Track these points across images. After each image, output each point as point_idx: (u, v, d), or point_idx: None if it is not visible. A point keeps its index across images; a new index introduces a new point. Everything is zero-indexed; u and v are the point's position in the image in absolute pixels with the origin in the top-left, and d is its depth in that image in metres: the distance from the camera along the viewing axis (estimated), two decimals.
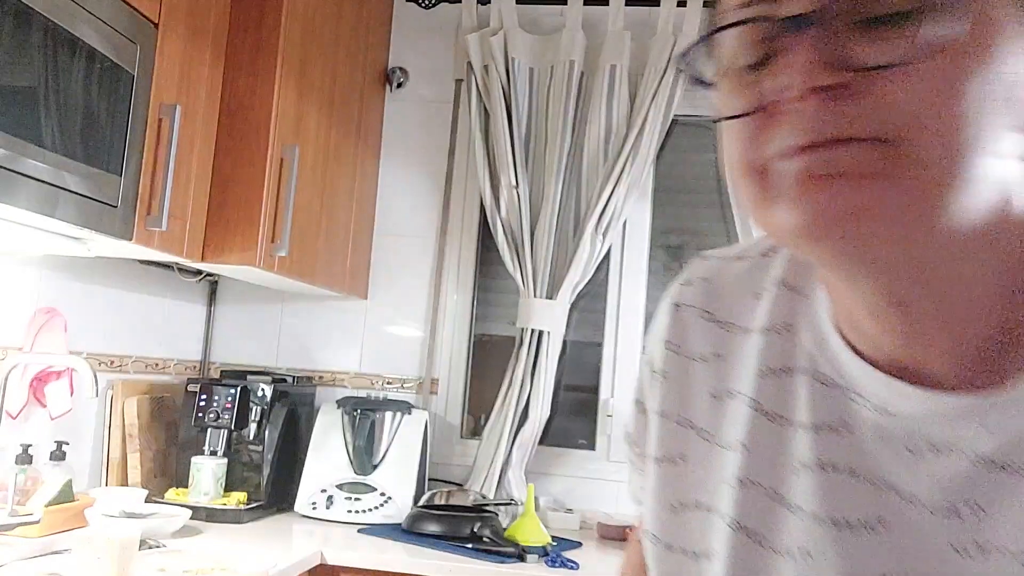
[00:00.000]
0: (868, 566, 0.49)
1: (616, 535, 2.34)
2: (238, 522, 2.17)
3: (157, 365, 2.48)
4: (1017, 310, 0.46)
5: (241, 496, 2.24)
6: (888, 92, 0.39)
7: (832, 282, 0.52)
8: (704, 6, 2.55)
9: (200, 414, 2.28)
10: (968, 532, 0.46)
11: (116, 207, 1.62)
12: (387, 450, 2.40)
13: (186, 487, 2.21)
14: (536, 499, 2.35)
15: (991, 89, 0.40)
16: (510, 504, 2.38)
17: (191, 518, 2.03)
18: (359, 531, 2.23)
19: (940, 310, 0.46)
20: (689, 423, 0.60)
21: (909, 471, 0.49)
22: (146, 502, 2.06)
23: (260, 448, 2.33)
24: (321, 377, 2.70)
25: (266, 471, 2.32)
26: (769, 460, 0.54)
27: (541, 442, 2.53)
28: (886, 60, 0.39)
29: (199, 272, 2.51)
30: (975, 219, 0.41)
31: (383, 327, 2.71)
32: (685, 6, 2.55)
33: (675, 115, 2.52)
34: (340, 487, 2.35)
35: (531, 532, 2.14)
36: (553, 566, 2.01)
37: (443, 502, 2.26)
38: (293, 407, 2.44)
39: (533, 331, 2.50)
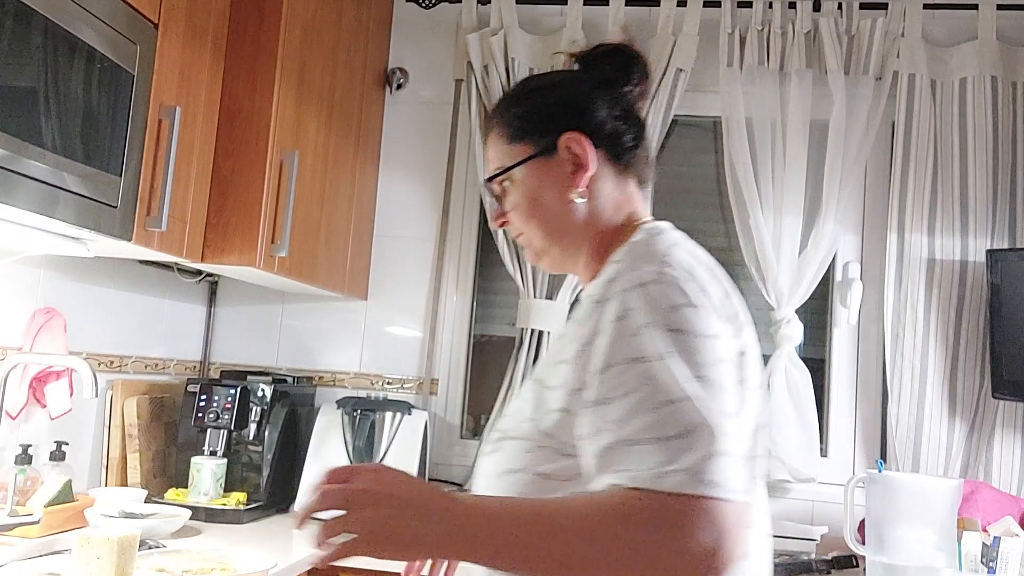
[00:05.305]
0: None
1: None
2: (238, 522, 2.17)
3: (157, 365, 2.48)
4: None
5: (241, 496, 2.24)
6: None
7: None
8: (704, 6, 2.55)
9: (200, 414, 2.28)
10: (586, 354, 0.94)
11: (116, 207, 1.62)
12: (387, 450, 2.40)
13: (186, 487, 2.21)
14: None
15: None
16: None
17: (191, 518, 2.03)
18: None
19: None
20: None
21: None
22: (146, 502, 2.06)
23: (260, 448, 2.33)
24: (321, 377, 2.70)
25: (266, 471, 2.32)
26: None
27: None
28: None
29: (199, 272, 2.51)
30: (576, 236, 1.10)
31: (383, 327, 2.71)
32: (685, 6, 2.55)
33: (675, 115, 2.52)
34: None
35: None
36: None
37: None
38: (293, 407, 2.44)
39: (533, 331, 2.50)
